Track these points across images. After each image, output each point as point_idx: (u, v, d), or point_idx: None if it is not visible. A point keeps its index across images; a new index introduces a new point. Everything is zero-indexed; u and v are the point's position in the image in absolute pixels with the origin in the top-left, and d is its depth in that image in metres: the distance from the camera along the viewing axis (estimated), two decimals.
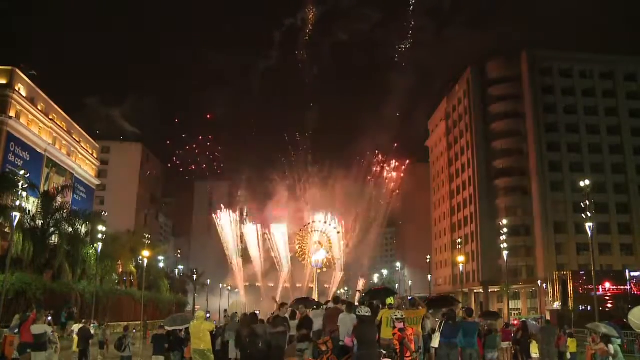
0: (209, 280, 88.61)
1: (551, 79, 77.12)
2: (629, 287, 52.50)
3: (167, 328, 16.28)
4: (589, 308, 41.21)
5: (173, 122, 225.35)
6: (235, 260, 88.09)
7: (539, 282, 67.07)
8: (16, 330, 16.39)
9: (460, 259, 63.31)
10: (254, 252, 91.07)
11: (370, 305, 14.01)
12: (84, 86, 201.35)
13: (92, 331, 22.35)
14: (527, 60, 77.07)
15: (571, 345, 19.23)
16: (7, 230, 34.90)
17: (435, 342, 11.80)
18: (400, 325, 10.63)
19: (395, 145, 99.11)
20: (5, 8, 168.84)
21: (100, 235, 40.26)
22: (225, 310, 28.98)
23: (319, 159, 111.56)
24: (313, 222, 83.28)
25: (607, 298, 52.52)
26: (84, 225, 42.86)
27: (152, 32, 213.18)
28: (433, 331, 13.45)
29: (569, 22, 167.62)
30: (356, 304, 14.35)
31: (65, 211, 41.52)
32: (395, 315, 10.91)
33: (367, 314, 10.49)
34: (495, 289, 74.57)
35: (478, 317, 12.66)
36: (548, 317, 54.97)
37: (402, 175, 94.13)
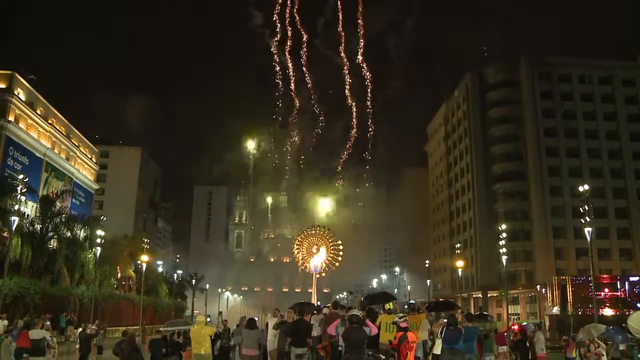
0: (207, 285, 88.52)
1: (550, 84, 77.25)
2: (618, 294, 53.01)
3: (167, 329, 16.29)
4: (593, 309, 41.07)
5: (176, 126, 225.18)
6: None
7: (538, 286, 66.97)
8: (14, 333, 16.37)
9: (460, 263, 63.26)
10: None
11: (370, 309, 14.01)
12: (84, 89, 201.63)
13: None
14: (526, 65, 77.19)
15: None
16: (5, 234, 34.80)
17: (438, 349, 11.78)
18: (404, 325, 10.62)
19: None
20: (5, 9, 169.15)
21: (99, 240, 40.17)
22: (220, 313, 29.02)
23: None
24: (312, 227, 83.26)
25: (606, 302, 52.62)
26: (82, 230, 42.80)
27: (152, 33, 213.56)
28: (431, 335, 13.44)
29: (568, 28, 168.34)
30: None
31: (64, 215, 41.44)
32: (399, 316, 10.91)
33: (357, 316, 10.43)
34: (495, 293, 74.48)
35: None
36: (547, 322, 55.13)
37: None
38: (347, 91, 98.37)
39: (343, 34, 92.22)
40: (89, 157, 74.55)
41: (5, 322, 23.36)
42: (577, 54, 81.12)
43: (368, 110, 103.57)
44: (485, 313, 36.87)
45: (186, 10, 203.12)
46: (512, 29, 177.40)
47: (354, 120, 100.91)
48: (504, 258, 51.08)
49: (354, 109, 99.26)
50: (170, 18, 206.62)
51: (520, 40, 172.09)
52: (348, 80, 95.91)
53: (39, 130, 57.83)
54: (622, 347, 16.44)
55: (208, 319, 17.69)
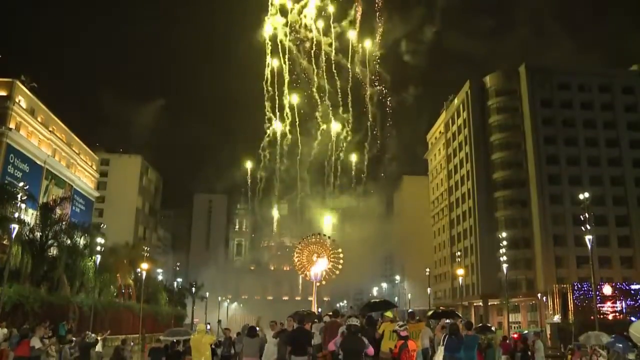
0: (207, 293, 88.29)
1: (550, 92, 77.36)
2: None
3: (167, 338, 16.24)
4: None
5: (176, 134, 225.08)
6: None
7: (539, 295, 66.82)
8: (13, 341, 16.34)
9: (460, 272, 63.16)
10: None
11: (369, 318, 13.98)
12: (85, 96, 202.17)
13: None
14: (526, 73, 77.39)
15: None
16: (5, 242, 34.76)
17: (440, 357, 11.77)
18: (405, 333, 10.64)
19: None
20: (6, 17, 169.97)
21: (98, 248, 40.12)
22: (219, 322, 28.97)
23: None
24: (312, 235, 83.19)
25: (608, 310, 52.61)
26: (82, 238, 42.72)
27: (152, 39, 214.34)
28: (432, 342, 13.41)
29: (567, 36, 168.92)
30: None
31: (64, 223, 41.39)
32: (399, 324, 10.93)
33: (355, 324, 10.46)
34: (495, 302, 74.28)
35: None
36: (548, 331, 55.01)
37: None
38: (369, 113, 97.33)
39: (359, 47, 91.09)
40: (89, 164, 74.69)
41: (5, 330, 23.19)
42: (576, 61, 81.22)
43: (389, 123, 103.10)
44: (488, 325, 36.99)
45: (188, 15, 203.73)
46: (512, 36, 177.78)
47: (377, 135, 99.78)
48: (505, 266, 51.03)
49: (376, 128, 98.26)
50: (171, 22, 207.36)
51: (520, 48, 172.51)
52: (367, 93, 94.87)
53: (39, 137, 57.98)
54: (631, 356, 16.22)
55: (208, 328, 17.65)
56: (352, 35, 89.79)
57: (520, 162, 76.94)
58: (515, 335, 31.00)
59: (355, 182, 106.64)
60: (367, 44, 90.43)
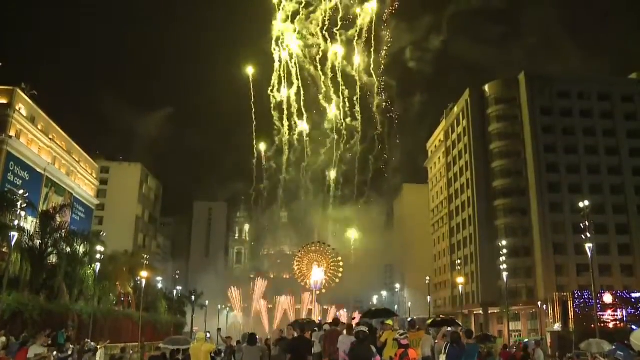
0: (207, 301, 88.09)
1: (549, 100, 77.50)
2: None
3: (166, 346, 16.20)
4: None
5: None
6: None
7: (539, 303, 66.67)
8: (13, 350, 16.28)
9: (460, 280, 63.00)
10: None
11: (369, 326, 13.95)
12: (85, 104, 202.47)
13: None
14: (526, 81, 77.56)
15: None
16: (5, 250, 34.68)
17: None
18: (405, 342, 10.64)
19: None
20: (6, 25, 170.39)
21: (98, 256, 40.03)
22: (219, 330, 28.93)
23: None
24: (312, 243, 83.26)
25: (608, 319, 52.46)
26: (82, 245, 42.63)
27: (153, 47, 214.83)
28: (432, 351, 13.38)
29: (570, 38, 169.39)
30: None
31: (63, 231, 41.32)
32: (399, 333, 10.94)
33: (365, 331, 10.49)
34: (495, 310, 74.07)
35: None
36: (549, 339, 54.84)
37: None
38: (378, 125, 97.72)
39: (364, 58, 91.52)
40: (89, 172, 74.70)
41: (4, 338, 23.03)
42: (579, 68, 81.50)
43: (397, 138, 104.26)
44: (488, 334, 36.89)
45: (189, 18, 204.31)
46: (516, 44, 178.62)
47: (381, 147, 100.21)
48: (505, 274, 50.91)
49: (379, 139, 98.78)
50: (172, 27, 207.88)
51: (524, 55, 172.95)
52: (375, 104, 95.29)
53: (39, 145, 58.03)
54: None
55: (208, 336, 17.59)
56: (359, 45, 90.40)
57: (520, 170, 76.97)
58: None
59: (357, 192, 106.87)
60: (374, 53, 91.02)
